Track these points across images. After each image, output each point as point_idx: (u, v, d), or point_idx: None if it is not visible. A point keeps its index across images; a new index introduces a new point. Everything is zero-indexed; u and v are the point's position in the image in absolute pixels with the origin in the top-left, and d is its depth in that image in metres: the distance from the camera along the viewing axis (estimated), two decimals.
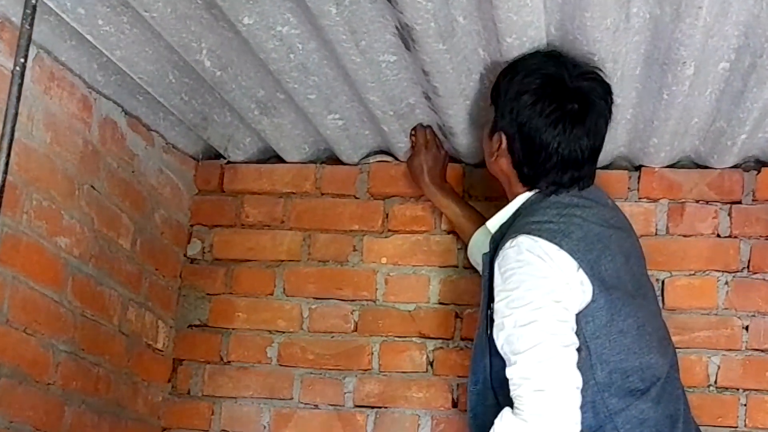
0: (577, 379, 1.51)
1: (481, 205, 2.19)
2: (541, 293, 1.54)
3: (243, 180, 2.39)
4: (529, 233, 1.59)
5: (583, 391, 1.53)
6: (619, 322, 1.60)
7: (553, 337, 1.52)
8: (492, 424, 1.55)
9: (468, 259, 2.21)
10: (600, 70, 1.69)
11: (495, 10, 1.53)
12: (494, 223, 1.76)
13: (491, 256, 1.67)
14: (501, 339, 1.57)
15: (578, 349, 1.55)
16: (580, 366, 1.54)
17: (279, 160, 2.36)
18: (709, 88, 1.82)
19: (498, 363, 1.61)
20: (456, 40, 1.69)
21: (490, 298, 1.64)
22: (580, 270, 1.57)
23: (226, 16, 1.64)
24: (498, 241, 1.67)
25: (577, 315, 1.56)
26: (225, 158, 2.39)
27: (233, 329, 2.34)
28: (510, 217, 1.72)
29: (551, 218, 1.62)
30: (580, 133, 1.66)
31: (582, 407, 1.51)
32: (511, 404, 1.54)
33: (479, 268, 2.11)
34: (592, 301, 1.57)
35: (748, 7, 1.53)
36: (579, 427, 1.49)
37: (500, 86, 1.73)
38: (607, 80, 1.70)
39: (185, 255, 2.39)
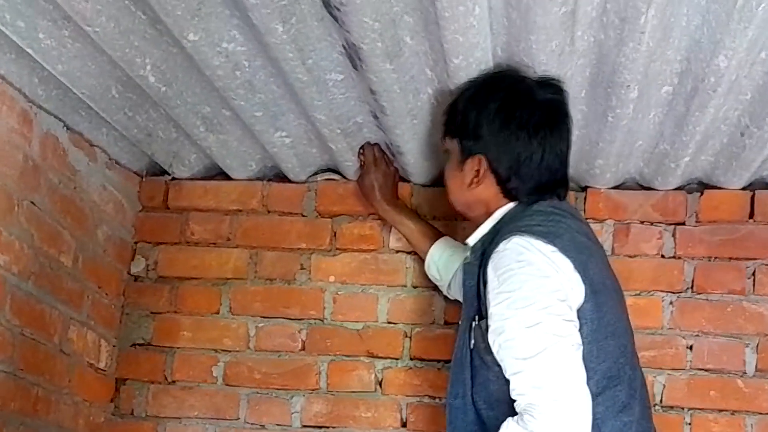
0: (585, 381, 1.47)
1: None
2: (545, 292, 1.50)
3: (188, 197, 2.36)
4: (525, 233, 1.55)
5: None
6: (605, 327, 1.57)
7: (561, 340, 1.47)
8: None
9: (418, 276, 2.22)
10: (554, 78, 1.70)
11: (442, 31, 1.54)
12: (475, 236, 1.72)
13: (477, 265, 1.64)
14: (500, 344, 1.51)
15: None
16: None
17: (225, 177, 2.34)
18: (652, 111, 1.84)
19: (482, 376, 1.59)
20: (403, 60, 1.69)
21: (477, 309, 1.61)
22: (575, 270, 1.53)
23: (170, 31, 1.62)
24: (482, 249, 1.64)
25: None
26: (170, 174, 2.35)
27: (178, 348, 2.30)
28: (490, 230, 1.68)
29: (539, 221, 1.60)
30: (558, 139, 1.70)
31: None
32: (497, 417, 1.50)
33: (439, 284, 2.12)
34: (585, 302, 1.53)
35: (690, 32, 1.55)
36: None
37: (462, 113, 1.72)
38: (562, 85, 1.72)
39: (129, 272, 2.35)
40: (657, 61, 1.63)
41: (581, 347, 1.50)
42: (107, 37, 1.64)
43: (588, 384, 1.49)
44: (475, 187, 1.72)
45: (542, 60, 1.62)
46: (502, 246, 1.55)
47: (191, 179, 2.35)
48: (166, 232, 2.36)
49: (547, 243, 1.54)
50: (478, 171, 1.71)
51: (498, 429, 1.49)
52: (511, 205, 1.70)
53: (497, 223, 1.69)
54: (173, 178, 2.36)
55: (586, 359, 1.51)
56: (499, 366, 1.53)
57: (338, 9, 1.51)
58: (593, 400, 1.49)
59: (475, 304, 1.63)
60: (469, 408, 1.64)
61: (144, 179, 2.38)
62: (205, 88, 1.88)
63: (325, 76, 1.78)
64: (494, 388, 1.57)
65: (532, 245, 1.53)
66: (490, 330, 1.54)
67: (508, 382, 1.50)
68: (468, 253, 1.73)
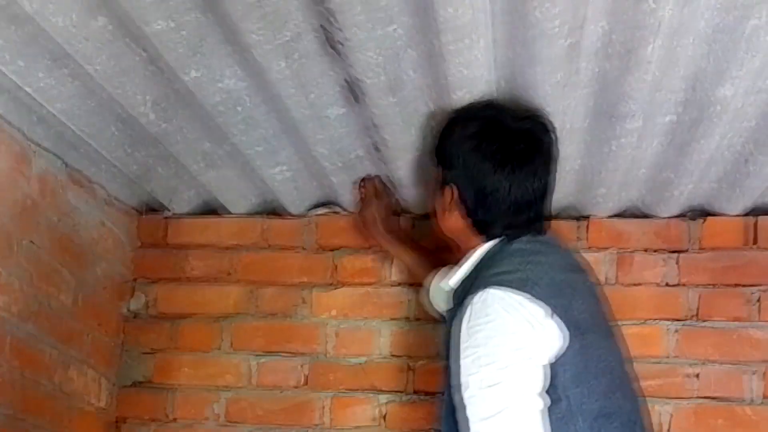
0: None
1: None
2: (509, 350, 1.48)
3: (187, 233, 2.34)
4: (497, 285, 1.53)
5: None
6: (594, 366, 1.55)
7: (519, 402, 1.46)
8: None
9: (419, 309, 2.20)
10: (538, 111, 1.69)
11: (446, 64, 1.53)
12: (455, 280, 1.69)
13: (454, 313, 1.62)
14: (462, 398, 1.50)
15: (556, 400, 1.49)
16: (561, 418, 1.49)
17: (224, 211, 2.32)
18: (655, 140, 1.83)
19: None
20: (405, 94, 1.68)
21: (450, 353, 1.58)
22: (555, 316, 1.51)
23: (171, 69, 1.61)
24: (461, 296, 1.62)
25: (553, 365, 1.50)
26: (168, 211, 2.33)
27: (178, 386, 2.27)
28: (472, 271, 1.67)
29: (517, 266, 1.58)
30: (529, 174, 1.65)
31: None
32: None
33: (433, 314, 2.09)
34: (568, 347, 1.51)
35: (695, 61, 1.55)
36: None
37: (442, 142, 1.72)
38: (546, 119, 1.70)
39: (128, 310, 2.32)
40: (662, 90, 1.62)
41: (544, 407, 1.48)
42: (107, 76, 1.63)
43: (580, 427, 1.49)
44: (449, 216, 1.72)
45: (546, 91, 1.62)
46: (476, 298, 1.53)
47: (190, 215, 2.34)
48: (165, 268, 2.33)
49: (522, 293, 1.51)
50: (450, 200, 1.70)
51: None
52: (490, 244, 1.67)
53: (477, 264, 1.66)
54: (172, 214, 2.34)
55: (578, 402, 1.50)
56: None
57: (341, 44, 1.50)
58: None
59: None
60: None
61: (143, 216, 2.36)
62: (205, 124, 1.86)
63: (325, 110, 1.77)
64: None
65: (504, 298, 1.51)
66: (456, 383, 1.52)
67: None
68: (450, 293, 1.70)
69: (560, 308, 1.52)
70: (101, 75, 1.62)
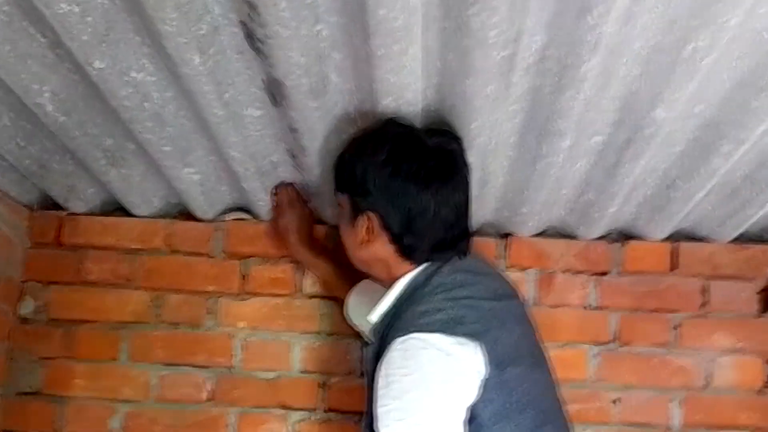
0: None
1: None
2: (423, 407, 1.40)
3: (84, 233, 2.17)
4: (419, 329, 1.44)
5: None
6: (518, 400, 1.48)
7: None
8: None
9: (333, 323, 2.11)
10: (449, 127, 1.63)
11: (373, 70, 1.44)
12: (376, 315, 1.59)
13: (376, 352, 1.53)
14: None
15: None
16: None
17: (125, 212, 2.16)
18: (582, 160, 1.78)
19: None
20: (327, 98, 1.58)
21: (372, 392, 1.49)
22: (479, 353, 1.43)
23: (74, 57, 1.47)
24: (382, 332, 1.53)
25: (475, 403, 1.43)
26: (64, 209, 2.16)
27: (70, 397, 2.11)
28: (393, 305, 1.57)
29: (439, 305, 1.49)
30: (452, 189, 1.58)
31: None
32: None
33: (358, 330, 1.99)
34: (490, 383, 1.44)
35: (628, 83, 1.50)
36: None
37: (348, 167, 1.61)
38: (451, 130, 1.63)
39: (16, 314, 2.14)
40: (592, 110, 1.57)
41: None
42: (1, 61, 1.48)
43: None
44: (368, 246, 1.61)
45: (476, 104, 1.54)
46: (395, 345, 1.45)
47: (88, 214, 2.17)
48: (59, 270, 2.16)
49: (447, 335, 1.43)
50: (369, 228, 1.60)
51: None
52: (412, 275, 1.58)
53: (399, 297, 1.57)
54: (68, 213, 2.18)
55: None
56: None
57: (262, 42, 1.39)
58: None
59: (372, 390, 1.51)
60: None
61: (34, 213, 2.18)
62: (108, 120, 1.72)
63: (241, 111, 1.65)
64: None
65: (426, 345, 1.43)
66: (374, 424, 1.45)
67: None
68: (372, 324, 1.61)
69: (486, 344, 1.45)
70: None
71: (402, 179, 1.55)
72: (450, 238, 1.58)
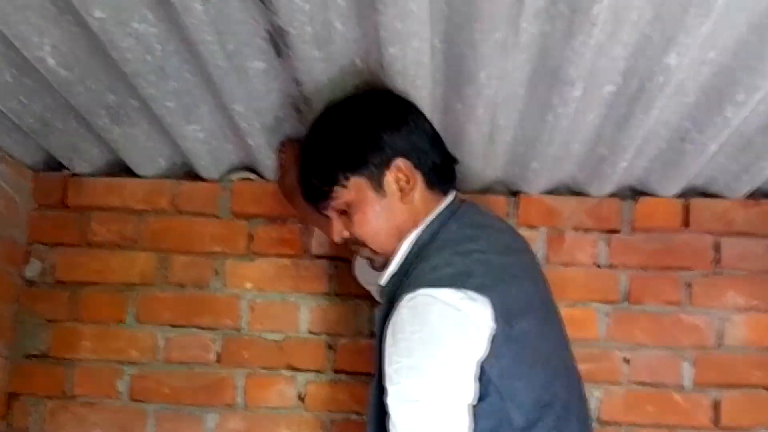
0: None
1: None
2: (434, 364, 1.38)
3: (89, 194, 2.15)
4: (427, 285, 1.41)
5: None
6: (529, 356, 1.45)
7: (438, 421, 1.37)
8: None
9: (341, 284, 2.10)
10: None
11: (379, 16, 1.40)
12: (385, 278, 1.57)
13: (385, 313, 1.49)
14: (388, 407, 1.41)
15: (486, 396, 1.40)
16: (492, 413, 1.39)
17: (130, 173, 2.14)
18: (593, 112, 1.74)
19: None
20: (333, 48, 1.55)
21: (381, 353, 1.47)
22: (488, 307, 1.40)
23: (73, 7, 1.44)
24: (392, 293, 1.50)
25: (484, 360, 1.39)
26: (69, 170, 2.14)
27: (78, 360, 2.10)
28: (401, 265, 1.54)
29: (448, 260, 1.46)
30: (423, 119, 1.66)
31: None
32: None
33: (369, 289, 1.97)
34: (499, 339, 1.40)
35: (640, 27, 1.45)
36: None
37: (344, 144, 1.59)
38: None
39: (22, 277, 2.13)
40: (604, 57, 1.53)
41: (466, 424, 1.38)
42: (0, 13, 1.45)
43: (515, 420, 1.40)
44: (410, 195, 1.57)
45: (484, 52, 1.50)
46: (404, 302, 1.42)
47: (93, 175, 2.15)
48: (65, 232, 2.15)
49: (456, 290, 1.40)
50: (406, 175, 1.57)
51: None
52: (417, 231, 1.55)
53: (406, 255, 1.55)
54: (72, 174, 2.15)
55: (510, 395, 1.41)
56: None
57: None
58: None
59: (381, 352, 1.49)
60: None
61: (39, 174, 2.16)
62: (110, 74, 1.69)
63: (245, 63, 1.62)
64: None
65: (435, 300, 1.39)
66: (384, 386, 1.43)
67: None
68: (382, 282, 1.58)
69: (496, 298, 1.41)
70: None
71: (393, 120, 1.58)
72: (445, 163, 1.63)
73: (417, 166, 1.57)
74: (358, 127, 1.59)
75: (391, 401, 1.41)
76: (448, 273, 1.44)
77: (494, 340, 1.40)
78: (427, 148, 1.60)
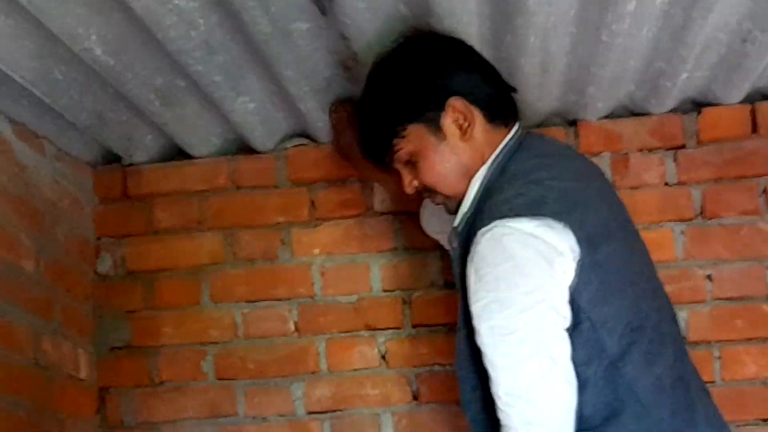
0: (571, 399, 1.36)
1: None
2: (523, 292, 1.35)
3: (149, 183, 2.15)
4: (502, 217, 1.39)
5: (596, 367, 1.38)
6: (616, 280, 1.43)
7: (537, 350, 1.36)
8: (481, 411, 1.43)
9: (409, 238, 2.08)
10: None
11: None
12: (458, 219, 1.54)
13: (462, 254, 1.47)
14: (480, 345, 1.40)
15: (578, 324, 1.38)
16: (586, 341, 1.37)
17: (185, 156, 2.14)
18: (646, 26, 1.68)
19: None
20: None
21: (466, 294, 1.45)
22: (568, 233, 1.37)
23: None
24: (467, 233, 1.47)
25: (572, 288, 1.38)
26: (125, 161, 2.15)
27: (161, 347, 2.12)
28: (473, 204, 1.52)
29: (519, 190, 1.43)
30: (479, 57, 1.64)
31: (597, 386, 1.38)
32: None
33: (438, 237, 1.94)
34: (584, 265, 1.38)
35: None
36: None
37: (407, 88, 1.57)
38: None
39: (95, 272, 2.15)
40: None
41: (566, 354, 1.37)
42: (44, 8, 1.44)
43: (609, 347, 1.38)
44: (471, 132, 1.54)
45: None
46: (481, 237, 1.40)
47: (149, 163, 2.15)
48: (130, 223, 2.16)
49: (531, 219, 1.37)
50: (463, 113, 1.54)
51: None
52: (485, 167, 1.52)
53: (477, 194, 1.52)
54: (129, 164, 2.16)
55: (602, 321, 1.39)
56: None
57: None
58: (618, 362, 1.39)
59: (464, 289, 1.47)
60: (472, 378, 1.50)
61: (97, 169, 2.17)
62: (155, 56, 1.68)
63: (290, 26, 1.60)
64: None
65: (512, 231, 1.37)
66: (474, 328, 1.41)
67: None
68: (456, 223, 1.56)
69: (574, 223, 1.38)
70: (37, 7, 1.43)
71: (441, 55, 1.56)
72: (502, 92, 1.60)
73: (473, 103, 1.54)
74: (405, 76, 1.57)
75: (485, 339, 1.39)
76: (522, 202, 1.41)
77: (581, 266, 1.38)
78: (480, 82, 1.56)
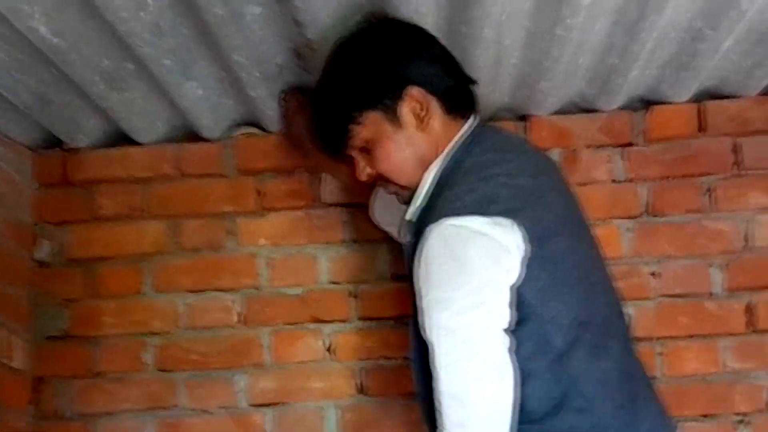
0: (507, 402, 1.36)
1: None
2: (463, 294, 1.35)
3: (91, 168, 2.09)
4: (452, 214, 1.38)
5: (541, 361, 1.38)
6: (564, 276, 1.42)
7: (475, 352, 1.35)
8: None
9: (357, 230, 2.06)
10: None
11: None
12: (411, 212, 1.53)
13: (413, 248, 1.46)
14: (426, 341, 1.39)
15: (525, 320, 1.38)
16: (532, 335, 1.37)
17: (129, 142, 2.09)
18: (601, 19, 1.69)
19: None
20: None
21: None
22: (516, 231, 1.37)
23: None
24: (419, 226, 1.46)
25: (520, 285, 1.37)
26: (67, 145, 2.08)
27: (100, 336, 2.06)
28: (426, 197, 1.51)
29: (471, 185, 1.42)
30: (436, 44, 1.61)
31: (541, 379, 1.37)
32: None
33: (389, 230, 1.93)
34: (533, 261, 1.37)
35: None
36: None
37: (359, 77, 1.54)
38: None
39: (33, 259, 2.08)
40: None
41: (503, 352, 1.36)
42: None
43: (556, 341, 1.39)
44: (428, 120, 1.52)
45: None
46: (428, 232, 1.39)
47: (92, 148, 2.09)
48: (70, 209, 2.10)
49: (481, 216, 1.36)
50: (420, 103, 1.52)
51: None
52: (440, 159, 1.51)
53: (431, 187, 1.50)
54: (71, 149, 2.09)
55: (550, 316, 1.39)
56: None
57: None
58: (563, 356, 1.39)
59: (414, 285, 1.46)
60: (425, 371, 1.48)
61: (38, 152, 2.10)
62: (104, 37, 1.63)
63: (243, 9, 1.56)
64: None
65: (460, 228, 1.36)
66: (420, 322, 1.41)
67: None
68: (409, 215, 1.54)
69: (524, 219, 1.38)
70: None
71: (400, 42, 1.54)
72: (461, 83, 1.58)
73: (431, 93, 1.52)
74: (366, 61, 1.54)
75: (428, 334, 1.38)
76: (472, 199, 1.40)
77: (529, 263, 1.38)
78: (440, 72, 1.54)
